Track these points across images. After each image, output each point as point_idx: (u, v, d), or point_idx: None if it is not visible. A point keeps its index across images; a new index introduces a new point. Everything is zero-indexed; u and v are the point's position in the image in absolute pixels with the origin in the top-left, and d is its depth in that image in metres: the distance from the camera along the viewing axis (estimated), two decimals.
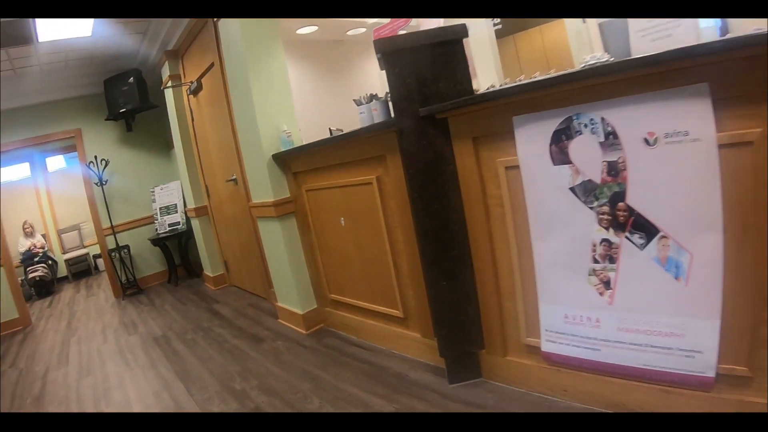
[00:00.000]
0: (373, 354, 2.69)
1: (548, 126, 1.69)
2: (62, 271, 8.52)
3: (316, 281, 3.28)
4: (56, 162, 8.97)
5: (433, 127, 1.98)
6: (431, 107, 1.93)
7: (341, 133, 3.01)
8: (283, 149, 3.06)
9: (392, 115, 2.16)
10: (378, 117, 2.52)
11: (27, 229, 7.99)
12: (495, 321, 2.08)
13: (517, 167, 1.81)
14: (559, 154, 1.68)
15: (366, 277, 2.76)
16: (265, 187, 3.18)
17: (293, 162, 3.07)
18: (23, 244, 7.84)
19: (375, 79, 6.55)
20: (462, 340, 2.15)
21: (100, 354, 3.72)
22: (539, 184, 1.77)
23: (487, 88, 2.31)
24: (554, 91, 1.63)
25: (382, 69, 2.05)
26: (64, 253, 8.68)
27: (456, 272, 2.08)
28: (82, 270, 8.59)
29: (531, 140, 1.75)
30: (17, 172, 8.70)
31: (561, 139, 1.66)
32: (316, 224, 3.07)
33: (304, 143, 2.92)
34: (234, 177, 4.07)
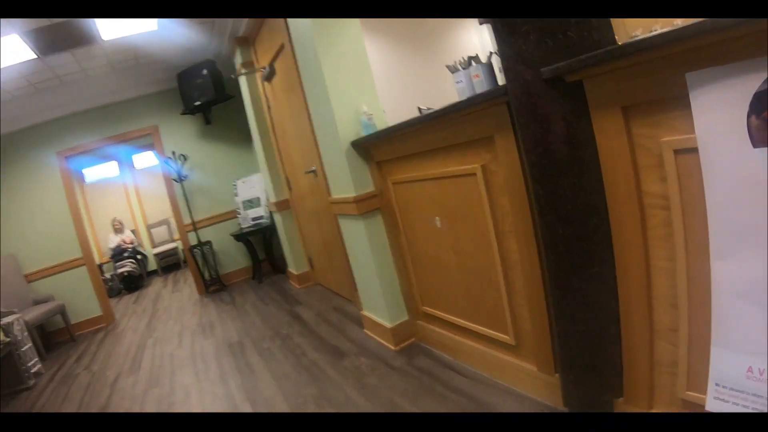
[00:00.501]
0: (474, 384, 2.17)
1: (745, 86, 1.06)
2: (152, 265, 8.84)
3: (407, 290, 2.81)
4: (144, 159, 9.29)
5: (563, 94, 1.40)
6: (558, 66, 1.35)
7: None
8: (363, 134, 2.62)
9: (501, 81, 1.62)
10: (481, 86, 1.98)
11: (116, 226, 8.35)
12: (642, 365, 1.50)
13: (692, 151, 1.19)
14: (764, 131, 1.06)
15: (467, 291, 2.24)
16: (344, 180, 2.76)
17: (376, 149, 2.60)
18: (113, 241, 8.21)
19: (471, 45, 5.91)
20: (595, 385, 1.59)
21: (173, 360, 3.57)
22: (729, 176, 1.14)
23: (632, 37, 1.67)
24: (758, 28, 0.99)
25: (482, 22, 1.50)
26: (154, 248, 9.01)
27: (593, 297, 1.50)
28: (171, 263, 8.87)
29: (717, 109, 1.12)
30: (106, 170, 9.15)
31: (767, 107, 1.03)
32: (405, 224, 2.59)
33: (389, 126, 2.44)
34: (313, 168, 3.70)
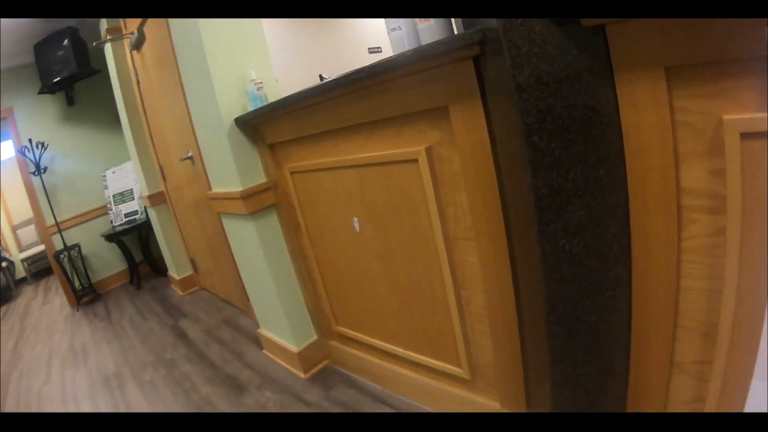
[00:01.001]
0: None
1: None
2: (21, 271, 7.31)
3: (314, 305, 2.25)
4: (3, 148, 7.53)
5: (576, 45, 0.92)
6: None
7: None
8: (251, 108, 1.99)
9: (460, 28, 1.12)
10: (432, 35, 1.46)
11: None
12: (653, 403, 1.14)
13: (763, 136, 0.80)
14: None
15: (400, 311, 1.74)
16: (227, 169, 2.09)
17: (269, 128, 1.97)
18: None
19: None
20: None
21: (40, 400, 2.74)
22: None
23: None
24: None
25: None
26: (21, 252, 7.42)
27: (604, 332, 1.09)
28: (43, 268, 7.35)
29: None
30: None
31: None
32: (310, 224, 2.02)
33: (285, 96, 1.83)
34: (190, 154, 2.95)
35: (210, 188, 2.38)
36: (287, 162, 1.97)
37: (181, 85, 2.45)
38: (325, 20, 4.68)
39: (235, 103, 2.02)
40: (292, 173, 1.95)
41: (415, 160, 1.38)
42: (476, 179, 1.27)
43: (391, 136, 1.47)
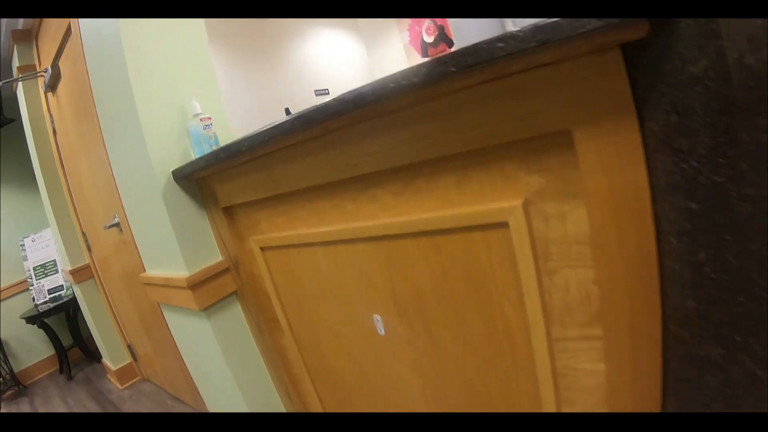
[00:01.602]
0: None
1: None
2: None
3: None
4: None
5: None
6: None
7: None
8: (196, 156, 1.35)
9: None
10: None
11: None
12: None
13: None
14: None
15: None
16: (165, 244, 1.43)
17: (223, 184, 1.33)
18: None
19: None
20: None
21: None
22: None
23: None
24: None
25: None
26: None
27: None
28: None
29: None
30: None
31: None
32: (295, 320, 1.37)
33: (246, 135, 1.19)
34: (116, 220, 2.24)
35: (143, 268, 1.69)
36: (254, 233, 1.33)
37: (100, 127, 1.78)
38: (268, 65, 4.17)
39: (172, 149, 1.38)
40: (263, 249, 1.31)
41: (502, 224, 0.78)
42: (619, 248, 0.68)
43: (451, 186, 0.86)
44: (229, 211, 1.37)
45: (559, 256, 0.76)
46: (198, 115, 1.37)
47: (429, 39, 5.53)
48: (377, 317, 1.10)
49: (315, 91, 5.31)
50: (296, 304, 1.32)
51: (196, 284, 1.33)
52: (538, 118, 0.68)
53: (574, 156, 0.68)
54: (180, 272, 1.38)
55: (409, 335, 1.07)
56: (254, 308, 1.46)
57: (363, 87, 0.80)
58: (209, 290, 1.37)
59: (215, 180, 1.33)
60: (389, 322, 1.09)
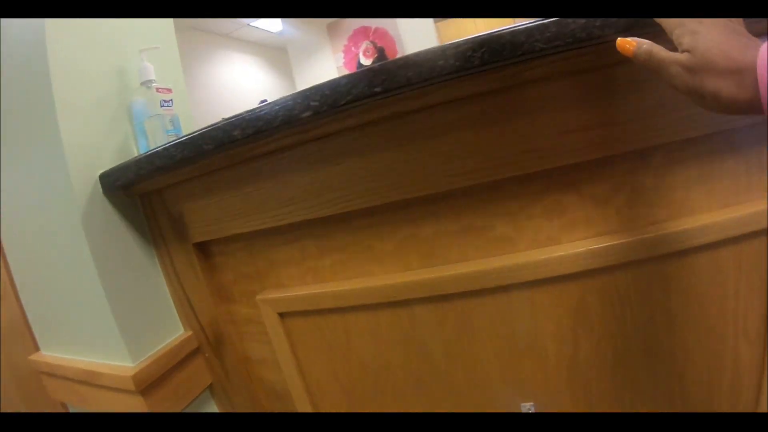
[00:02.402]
0: None
1: None
2: None
3: None
4: None
5: None
6: None
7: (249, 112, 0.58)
8: (142, 150, 0.77)
9: None
10: None
11: None
12: None
13: None
14: None
15: None
16: (85, 310, 0.78)
17: (197, 198, 0.72)
18: None
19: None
20: None
21: None
22: None
23: None
24: None
25: None
26: None
27: None
28: None
29: None
30: None
31: None
32: None
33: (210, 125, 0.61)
34: None
35: (34, 342, 1.00)
36: (263, 287, 0.74)
37: None
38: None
39: (100, 138, 0.76)
40: (283, 316, 0.71)
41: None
42: None
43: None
44: (205, 250, 0.77)
45: None
46: (149, 83, 0.78)
47: (367, 61, 5.13)
48: (528, 405, 0.59)
49: (222, 119, 4.71)
50: (347, 404, 0.74)
51: (151, 384, 0.71)
52: None
53: None
54: (115, 361, 0.75)
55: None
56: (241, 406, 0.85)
57: None
58: (172, 391, 0.75)
59: (181, 194, 0.73)
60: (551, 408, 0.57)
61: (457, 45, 0.49)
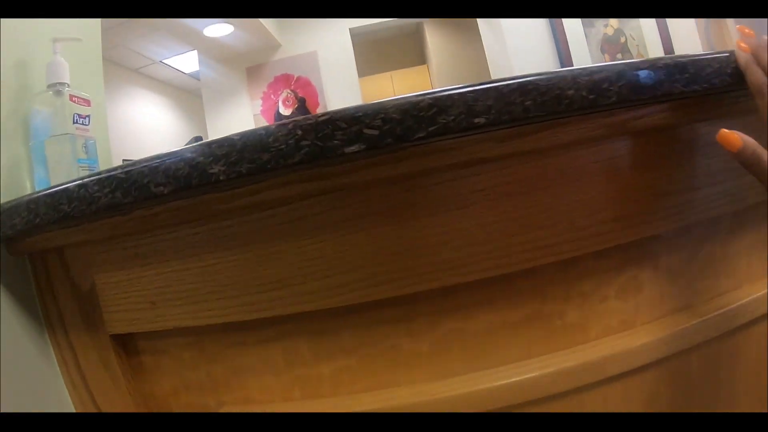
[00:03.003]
0: None
1: None
2: None
3: None
4: None
5: None
6: None
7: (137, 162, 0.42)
8: (38, 186, 0.49)
9: None
10: None
11: None
12: None
13: None
14: None
15: None
16: None
17: (118, 266, 0.45)
18: None
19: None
20: None
21: None
22: None
23: None
24: None
25: None
26: None
27: None
28: None
29: None
30: None
31: None
32: None
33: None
34: None
35: None
36: (226, 400, 0.47)
37: None
38: None
39: None
40: None
41: None
42: None
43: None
44: (129, 346, 0.49)
45: None
46: (61, 87, 0.52)
47: (286, 111, 4.93)
48: None
49: (123, 160, 4.25)
50: None
51: None
52: None
53: None
54: None
55: None
56: None
57: None
58: None
59: (95, 258, 0.46)
60: None
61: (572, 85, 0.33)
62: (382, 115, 0.31)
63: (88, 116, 0.55)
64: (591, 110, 0.39)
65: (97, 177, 0.38)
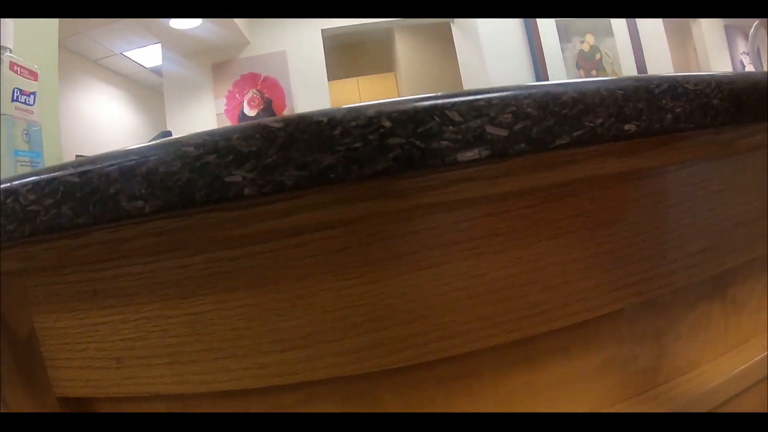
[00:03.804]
0: None
1: None
2: None
3: None
4: None
5: None
6: None
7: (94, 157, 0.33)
8: None
9: None
10: None
11: None
12: None
13: None
14: None
15: None
16: None
17: (81, 307, 0.31)
18: None
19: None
20: None
21: None
22: None
23: None
24: None
25: None
26: None
27: None
28: None
29: None
30: None
31: None
32: None
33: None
34: None
35: None
36: None
37: None
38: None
39: None
40: None
41: None
42: None
43: None
44: (82, 411, 0.35)
45: None
46: (1, 50, 0.37)
47: (251, 112, 4.71)
48: None
49: (76, 156, 3.95)
50: None
51: None
52: None
53: None
54: None
55: None
56: None
57: None
58: None
59: (38, 293, 0.32)
60: None
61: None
62: (514, 108, 0.19)
63: (34, 94, 0.40)
64: (732, 124, 0.30)
65: (34, 179, 0.24)
